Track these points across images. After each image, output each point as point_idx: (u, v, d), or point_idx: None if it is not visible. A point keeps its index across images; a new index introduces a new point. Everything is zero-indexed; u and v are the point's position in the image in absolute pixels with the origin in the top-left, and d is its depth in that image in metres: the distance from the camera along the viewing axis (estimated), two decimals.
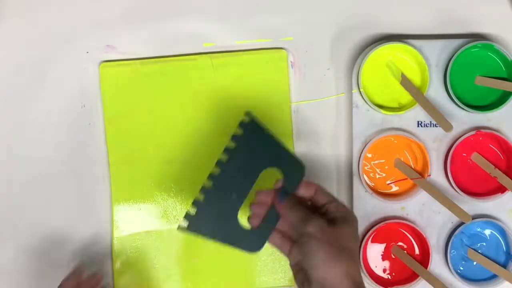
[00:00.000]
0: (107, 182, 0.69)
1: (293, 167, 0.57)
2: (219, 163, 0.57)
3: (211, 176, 0.57)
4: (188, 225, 0.56)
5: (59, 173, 0.68)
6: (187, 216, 0.56)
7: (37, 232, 0.68)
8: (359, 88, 0.67)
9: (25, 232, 0.68)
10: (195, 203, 0.56)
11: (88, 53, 0.69)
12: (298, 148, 0.69)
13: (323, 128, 0.70)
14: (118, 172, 0.68)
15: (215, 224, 0.57)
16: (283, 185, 0.57)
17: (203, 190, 0.56)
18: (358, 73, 0.67)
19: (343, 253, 0.51)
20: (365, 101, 0.67)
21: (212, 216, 0.56)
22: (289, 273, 0.69)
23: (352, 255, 0.53)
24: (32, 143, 0.68)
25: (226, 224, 0.57)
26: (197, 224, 0.56)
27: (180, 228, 0.55)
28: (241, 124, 0.57)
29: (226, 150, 0.57)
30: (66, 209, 0.69)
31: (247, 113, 0.57)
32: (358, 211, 0.68)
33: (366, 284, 0.67)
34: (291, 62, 0.69)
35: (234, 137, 0.57)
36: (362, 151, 0.67)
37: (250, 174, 0.57)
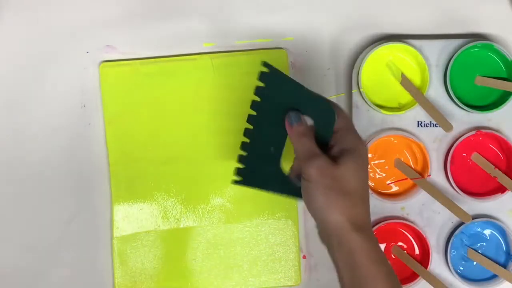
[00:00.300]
0: (107, 182, 0.69)
1: (323, 112, 0.55)
2: (250, 118, 0.56)
3: (247, 132, 0.57)
4: (242, 179, 0.57)
5: (59, 173, 0.68)
6: (238, 171, 0.57)
7: (37, 232, 0.68)
8: (359, 88, 0.67)
9: (24, 231, 0.68)
10: (240, 158, 0.57)
11: (88, 53, 0.69)
12: None
13: None
14: (118, 172, 0.68)
15: (262, 176, 0.57)
16: (316, 131, 0.55)
17: (244, 145, 0.57)
18: (358, 73, 0.67)
19: (342, 197, 0.50)
20: (365, 101, 0.67)
21: (258, 168, 0.57)
22: (289, 273, 0.69)
23: (354, 196, 0.51)
24: (32, 143, 0.68)
25: (272, 174, 0.57)
26: (248, 177, 0.57)
27: (234, 182, 0.56)
28: (262, 76, 0.55)
29: (254, 104, 0.56)
30: (65, 209, 0.69)
31: (265, 64, 0.55)
32: None
33: None
34: (291, 62, 0.69)
35: (257, 90, 0.56)
36: None
37: (282, 124, 0.55)
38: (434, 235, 0.68)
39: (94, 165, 0.69)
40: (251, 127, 0.56)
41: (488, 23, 0.70)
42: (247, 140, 0.57)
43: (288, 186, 0.56)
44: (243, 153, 0.57)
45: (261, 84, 0.55)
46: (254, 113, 0.56)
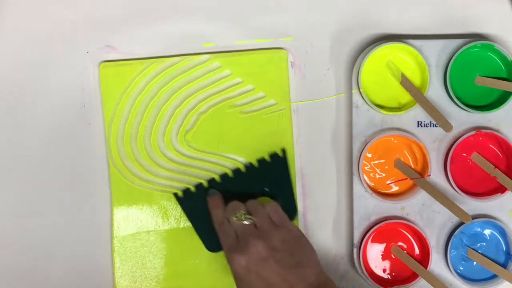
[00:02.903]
0: (107, 182, 0.69)
1: (288, 209, 0.66)
2: (235, 171, 0.67)
3: (222, 177, 0.67)
4: (182, 198, 0.67)
5: (59, 173, 0.68)
6: (186, 191, 0.67)
7: (37, 232, 0.68)
8: (359, 88, 0.67)
9: (24, 231, 0.68)
10: (197, 186, 0.67)
11: (88, 53, 0.69)
12: (298, 148, 0.69)
13: (323, 128, 0.70)
14: (118, 172, 0.68)
15: (198, 212, 0.66)
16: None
17: (211, 182, 0.67)
18: (358, 73, 0.67)
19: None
20: (365, 101, 0.67)
21: (200, 204, 0.66)
22: None
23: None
24: (32, 143, 0.68)
25: (206, 217, 0.65)
26: (188, 202, 0.67)
27: (175, 196, 0.67)
28: (273, 155, 0.67)
29: (247, 166, 0.67)
30: (65, 209, 0.68)
31: (284, 150, 0.67)
32: (358, 211, 0.68)
33: (366, 284, 0.68)
34: (291, 62, 0.69)
35: (260, 160, 0.67)
36: (362, 151, 0.67)
37: (250, 193, 0.66)
38: (434, 235, 0.68)
39: (94, 165, 0.69)
40: (229, 176, 0.67)
41: (488, 23, 0.70)
42: (218, 181, 0.67)
43: (210, 236, 0.66)
44: (205, 184, 0.67)
45: (268, 159, 0.67)
46: (242, 169, 0.67)
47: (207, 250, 0.67)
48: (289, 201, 0.68)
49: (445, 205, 0.66)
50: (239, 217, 0.62)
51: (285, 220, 0.62)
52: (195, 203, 0.67)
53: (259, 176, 0.67)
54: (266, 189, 0.67)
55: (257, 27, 0.69)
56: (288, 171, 0.68)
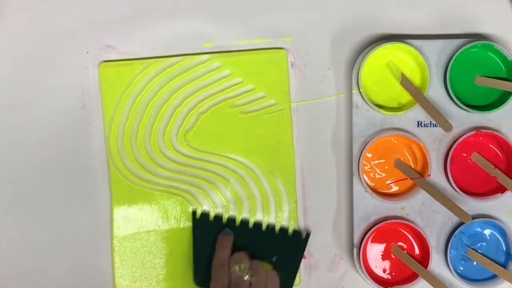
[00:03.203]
0: (107, 182, 0.69)
1: (285, 285, 0.67)
2: (256, 224, 0.68)
3: (242, 223, 0.68)
4: (198, 220, 0.67)
5: (59, 173, 0.68)
6: (203, 216, 0.68)
7: (36, 232, 0.68)
8: (359, 88, 0.67)
9: (24, 231, 0.68)
10: (215, 217, 0.68)
11: (88, 53, 0.69)
12: (298, 148, 0.69)
13: (323, 128, 0.70)
14: (118, 172, 0.68)
15: (205, 241, 0.67)
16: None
17: (230, 222, 0.68)
18: (358, 73, 0.67)
19: None
20: (365, 101, 0.67)
21: (211, 236, 0.67)
22: None
23: None
24: (32, 143, 0.68)
25: (209, 251, 0.66)
26: (201, 227, 0.68)
27: (193, 214, 0.68)
28: (296, 232, 0.68)
29: (269, 227, 0.68)
30: (65, 209, 0.68)
31: (308, 234, 0.68)
32: (358, 211, 0.68)
33: (366, 284, 0.68)
34: (291, 62, 0.69)
35: (283, 230, 0.68)
36: (362, 151, 0.67)
37: (258, 252, 0.66)
38: (434, 235, 0.68)
39: (94, 165, 0.69)
40: (250, 226, 0.68)
41: (488, 23, 0.70)
42: (237, 224, 0.68)
43: (203, 270, 0.66)
44: (225, 220, 0.68)
45: (289, 233, 0.68)
46: (260, 230, 0.68)
47: (193, 281, 0.67)
48: (289, 279, 0.67)
49: (445, 205, 0.66)
50: (242, 270, 0.63)
51: None
52: (207, 231, 0.67)
53: (275, 243, 0.68)
54: (274, 259, 0.67)
55: (257, 27, 0.69)
56: (302, 254, 0.68)
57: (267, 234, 0.68)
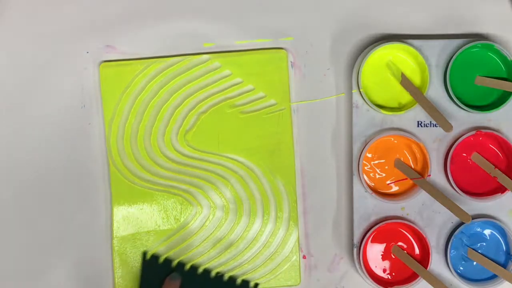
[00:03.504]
0: (107, 182, 0.69)
1: None
2: (219, 276, 0.67)
3: (196, 270, 0.67)
4: (148, 260, 0.67)
5: (59, 173, 0.68)
6: (153, 257, 0.68)
7: (36, 232, 0.68)
8: (359, 88, 0.67)
9: (24, 231, 0.68)
10: (165, 260, 0.68)
11: (88, 53, 0.69)
12: (298, 148, 0.69)
13: (323, 128, 0.70)
14: (118, 172, 0.68)
15: (151, 282, 0.67)
16: None
17: (176, 264, 0.67)
18: (358, 73, 0.67)
19: None
20: (365, 101, 0.67)
21: (157, 278, 0.67)
22: (289, 273, 0.69)
23: None
24: (31, 143, 0.68)
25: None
26: (148, 267, 0.68)
27: (144, 254, 0.68)
28: (244, 282, 0.67)
29: (212, 276, 0.67)
30: (65, 209, 0.69)
31: (255, 285, 0.67)
32: (358, 211, 0.68)
33: (366, 284, 0.68)
34: (291, 62, 0.69)
35: (230, 278, 0.67)
36: (362, 151, 0.67)
37: None
38: (434, 235, 0.68)
39: (94, 165, 0.69)
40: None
41: (488, 23, 0.70)
42: (187, 269, 0.67)
43: None
44: (174, 264, 0.67)
45: None
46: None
47: None
48: None
49: (445, 205, 0.66)
50: None
51: None
52: (155, 273, 0.67)
53: None
54: None
55: (257, 27, 0.69)
56: None
57: (215, 281, 0.67)
